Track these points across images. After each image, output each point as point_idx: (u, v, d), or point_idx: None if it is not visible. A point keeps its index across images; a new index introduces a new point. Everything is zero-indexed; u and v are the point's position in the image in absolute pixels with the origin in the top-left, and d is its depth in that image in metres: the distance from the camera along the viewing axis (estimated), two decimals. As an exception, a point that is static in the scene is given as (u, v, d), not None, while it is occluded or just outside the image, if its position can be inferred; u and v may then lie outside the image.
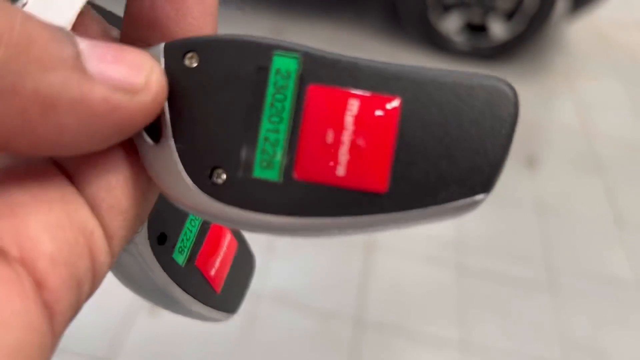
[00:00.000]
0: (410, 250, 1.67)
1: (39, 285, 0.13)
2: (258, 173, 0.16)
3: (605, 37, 2.84)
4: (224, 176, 0.16)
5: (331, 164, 0.16)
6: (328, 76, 0.16)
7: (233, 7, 2.55)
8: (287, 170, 0.16)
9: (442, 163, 0.16)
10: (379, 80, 0.16)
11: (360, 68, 0.16)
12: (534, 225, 1.81)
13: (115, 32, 0.18)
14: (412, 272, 1.62)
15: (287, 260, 1.59)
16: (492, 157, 0.16)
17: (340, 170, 0.16)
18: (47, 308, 0.13)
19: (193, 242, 0.21)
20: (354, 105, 0.16)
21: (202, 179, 0.16)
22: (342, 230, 0.16)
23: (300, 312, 1.47)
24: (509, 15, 2.42)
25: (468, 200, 0.16)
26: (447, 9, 2.45)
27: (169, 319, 1.32)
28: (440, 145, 0.16)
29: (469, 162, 0.16)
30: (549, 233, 1.78)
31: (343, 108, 0.16)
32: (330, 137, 0.16)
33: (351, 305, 1.51)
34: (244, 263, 0.25)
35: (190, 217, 0.21)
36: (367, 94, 0.16)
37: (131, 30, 0.18)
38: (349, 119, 0.16)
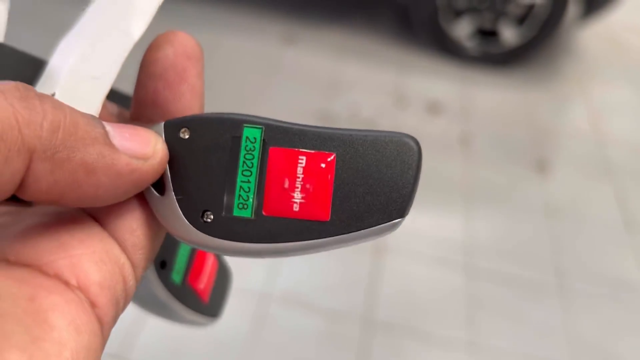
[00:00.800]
0: (420, 252, 1.68)
1: (92, 304, 0.19)
2: (237, 212, 0.22)
3: (617, 42, 2.84)
4: (212, 217, 0.22)
5: (289, 202, 0.22)
6: (283, 140, 0.23)
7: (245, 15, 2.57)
8: (258, 209, 0.22)
9: (368, 197, 0.22)
10: (320, 142, 0.23)
11: (306, 133, 0.23)
12: (544, 229, 1.81)
13: (125, 112, 0.26)
14: (421, 274, 1.63)
15: (297, 262, 1.61)
16: (404, 191, 0.23)
17: (296, 207, 0.22)
18: (99, 321, 0.19)
19: (185, 264, 0.27)
20: (303, 160, 0.23)
21: (196, 219, 0.22)
22: (301, 250, 0.23)
23: (309, 313, 1.48)
24: (520, 21, 2.43)
25: (389, 223, 0.23)
26: (458, 14, 2.46)
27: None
28: (365, 184, 0.22)
29: (386, 196, 0.22)
30: (559, 237, 1.79)
31: (295, 163, 0.23)
32: (287, 183, 0.22)
33: (360, 306, 1.53)
34: (223, 276, 0.32)
35: (182, 245, 0.27)
36: (311, 151, 0.23)
37: (138, 109, 0.24)
38: (299, 170, 0.23)
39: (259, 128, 0.23)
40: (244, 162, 0.22)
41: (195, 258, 0.28)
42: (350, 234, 0.23)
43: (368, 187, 0.22)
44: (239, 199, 0.22)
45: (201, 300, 0.29)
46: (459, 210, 1.84)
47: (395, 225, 0.23)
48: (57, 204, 0.19)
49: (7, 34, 0.23)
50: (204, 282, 0.29)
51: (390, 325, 1.49)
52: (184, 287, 0.27)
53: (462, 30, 2.48)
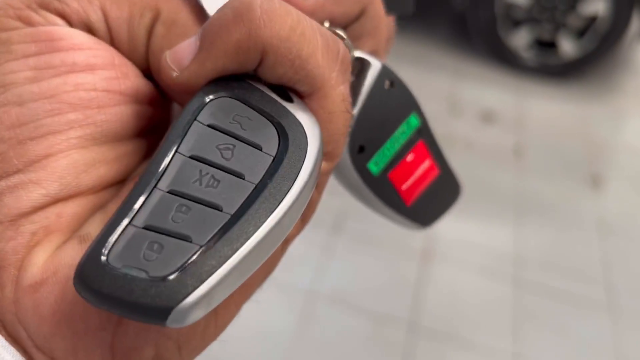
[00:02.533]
0: (468, 260, 1.68)
1: None
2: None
3: (679, 59, 2.78)
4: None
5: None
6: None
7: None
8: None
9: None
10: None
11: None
12: (596, 244, 1.78)
13: None
14: (469, 283, 1.63)
15: (345, 262, 1.62)
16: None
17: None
18: None
19: (389, 160, 0.27)
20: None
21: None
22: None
23: (356, 314, 1.50)
24: (580, 33, 2.40)
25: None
26: (516, 24, 2.45)
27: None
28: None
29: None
30: (611, 253, 1.76)
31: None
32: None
33: (406, 310, 1.53)
34: (444, 190, 0.31)
35: (391, 140, 0.27)
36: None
37: None
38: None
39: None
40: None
41: (405, 158, 0.28)
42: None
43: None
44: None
45: (401, 200, 0.28)
46: (509, 221, 1.83)
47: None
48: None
49: None
50: (409, 184, 0.28)
51: (435, 332, 1.49)
52: (381, 179, 0.27)
53: (520, 40, 2.46)
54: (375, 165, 0.26)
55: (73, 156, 0.19)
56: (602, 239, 1.80)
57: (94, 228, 0.19)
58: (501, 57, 2.53)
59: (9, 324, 0.18)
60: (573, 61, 2.46)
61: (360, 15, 0.25)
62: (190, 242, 0.17)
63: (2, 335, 0.18)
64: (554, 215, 1.87)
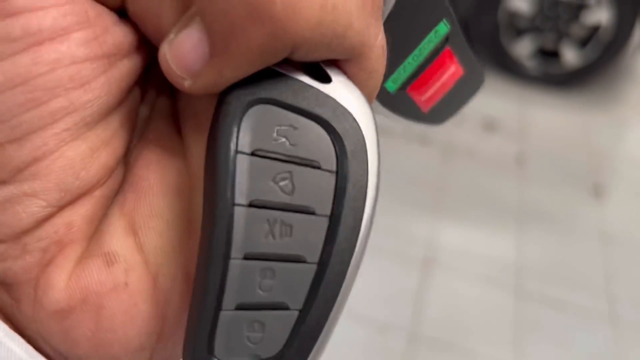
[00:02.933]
0: (469, 269, 1.67)
1: None
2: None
3: (682, 69, 2.78)
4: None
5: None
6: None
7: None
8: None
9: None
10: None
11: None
12: (598, 254, 1.78)
13: None
14: (470, 292, 1.62)
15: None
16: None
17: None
18: None
19: (409, 75, 0.25)
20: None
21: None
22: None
23: (357, 323, 1.49)
24: (583, 42, 2.40)
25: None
26: (519, 33, 2.45)
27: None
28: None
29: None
30: (613, 263, 1.75)
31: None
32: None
33: (407, 319, 1.52)
34: (465, 87, 0.28)
35: (413, 54, 0.24)
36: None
37: None
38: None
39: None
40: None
41: (428, 68, 0.25)
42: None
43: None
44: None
45: (419, 110, 0.26)
46: (511, 230, 1.82)
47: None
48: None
49: None
50: (429, 94, 0.26)
51: (436, 341, 1.48)
52: (398, 96, 0.25)
53: (523, 49, 2.46)
54: (392, 83, 0.24)
55: (67, 154, 0.16)
56: (604, 249, 1.80)
57: (116, 238, 0.17)
58: (504, 65, 2.53)
59: (30, 338, 0.17)
60: (576, 70, 2.46)
61: None
62: (288, 309, 0.16)
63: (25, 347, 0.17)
64: (556, 225, 1.86)
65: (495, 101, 2.40)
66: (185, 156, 0.18)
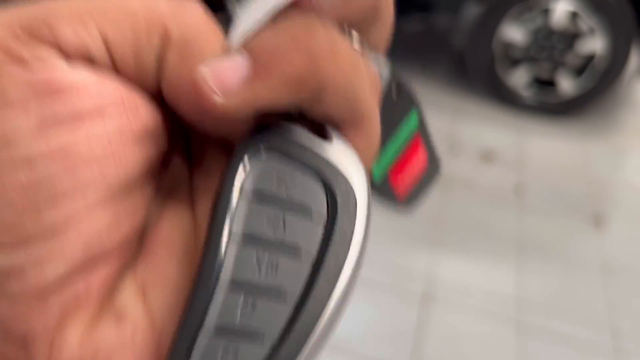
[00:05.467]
0: (469, 304, 1.65)
1: None
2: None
3: (679, 96, 2.78)
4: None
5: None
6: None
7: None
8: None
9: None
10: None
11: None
12: (599, 286, 1.75)
13: None
14: (470, 328, 1.59)
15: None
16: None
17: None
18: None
19: (390, 157, 0.28)
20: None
21: None
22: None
23: (354, 361, 1.47)
24: (579, 71, 2.40)
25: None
26: (515, 63, 2.45)
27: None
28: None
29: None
30: (615, 295, 1.73)
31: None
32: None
33: (407, 356, 1.50)
34: (429, 173, 0.31)
35: (392, 138, 0.27)
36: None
37: None
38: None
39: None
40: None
41: (404, 152, 0.28)
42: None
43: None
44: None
45: (396, 199, 0.29)
46: (511, 262, 1.80)
47: None
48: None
49: None
50: (405, 178, 0.29)
51: (437, 379, 1.46)
52: (383, 185, 0.28)
53: (519, 79, 2.47)
54: (376, 165, 0.27)
55: (94, 220, 0.17)
56: (606, 280, 1.77)
57: (126, 298, 0.19)
58: (500, 96, 2.53)
59: None
60: (572, 99, 2.46)
61: (372, 20, 0.23)
62: (262, 342, 0.17)
63: None
64: (556, 257, 1.84)
65: (493, 132, 2.40)
66: (196, 224, 0.20)
